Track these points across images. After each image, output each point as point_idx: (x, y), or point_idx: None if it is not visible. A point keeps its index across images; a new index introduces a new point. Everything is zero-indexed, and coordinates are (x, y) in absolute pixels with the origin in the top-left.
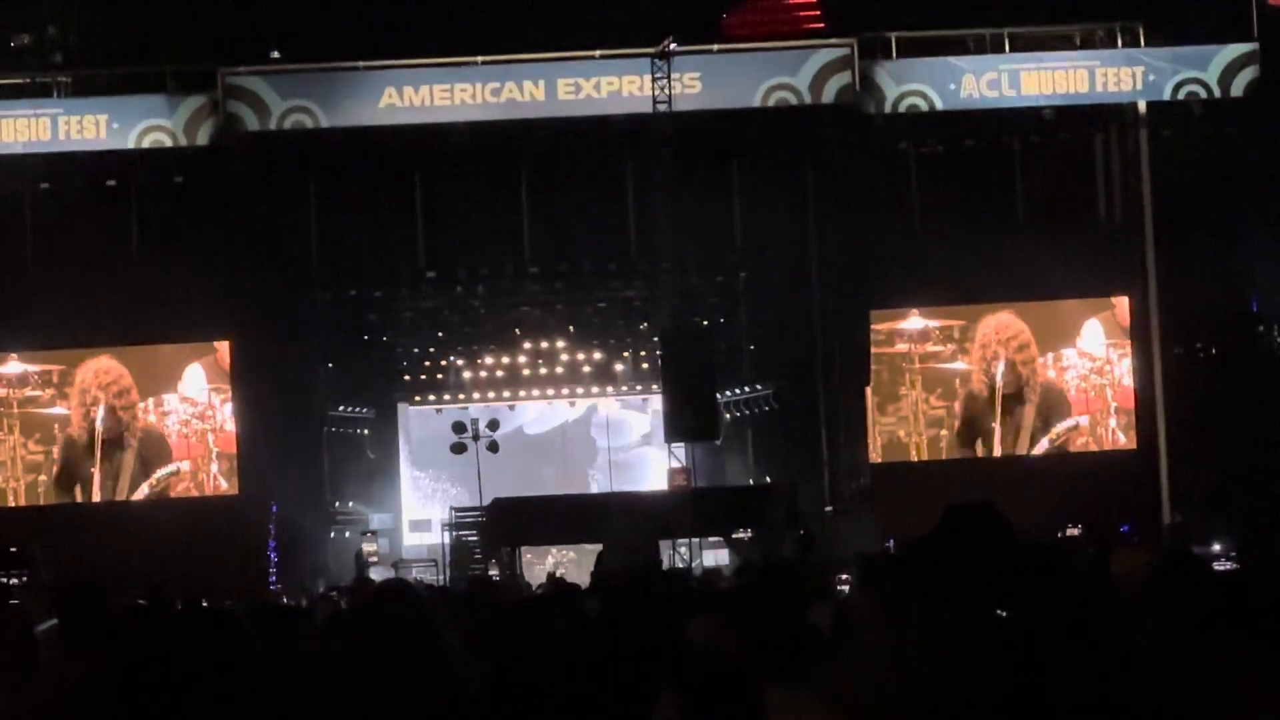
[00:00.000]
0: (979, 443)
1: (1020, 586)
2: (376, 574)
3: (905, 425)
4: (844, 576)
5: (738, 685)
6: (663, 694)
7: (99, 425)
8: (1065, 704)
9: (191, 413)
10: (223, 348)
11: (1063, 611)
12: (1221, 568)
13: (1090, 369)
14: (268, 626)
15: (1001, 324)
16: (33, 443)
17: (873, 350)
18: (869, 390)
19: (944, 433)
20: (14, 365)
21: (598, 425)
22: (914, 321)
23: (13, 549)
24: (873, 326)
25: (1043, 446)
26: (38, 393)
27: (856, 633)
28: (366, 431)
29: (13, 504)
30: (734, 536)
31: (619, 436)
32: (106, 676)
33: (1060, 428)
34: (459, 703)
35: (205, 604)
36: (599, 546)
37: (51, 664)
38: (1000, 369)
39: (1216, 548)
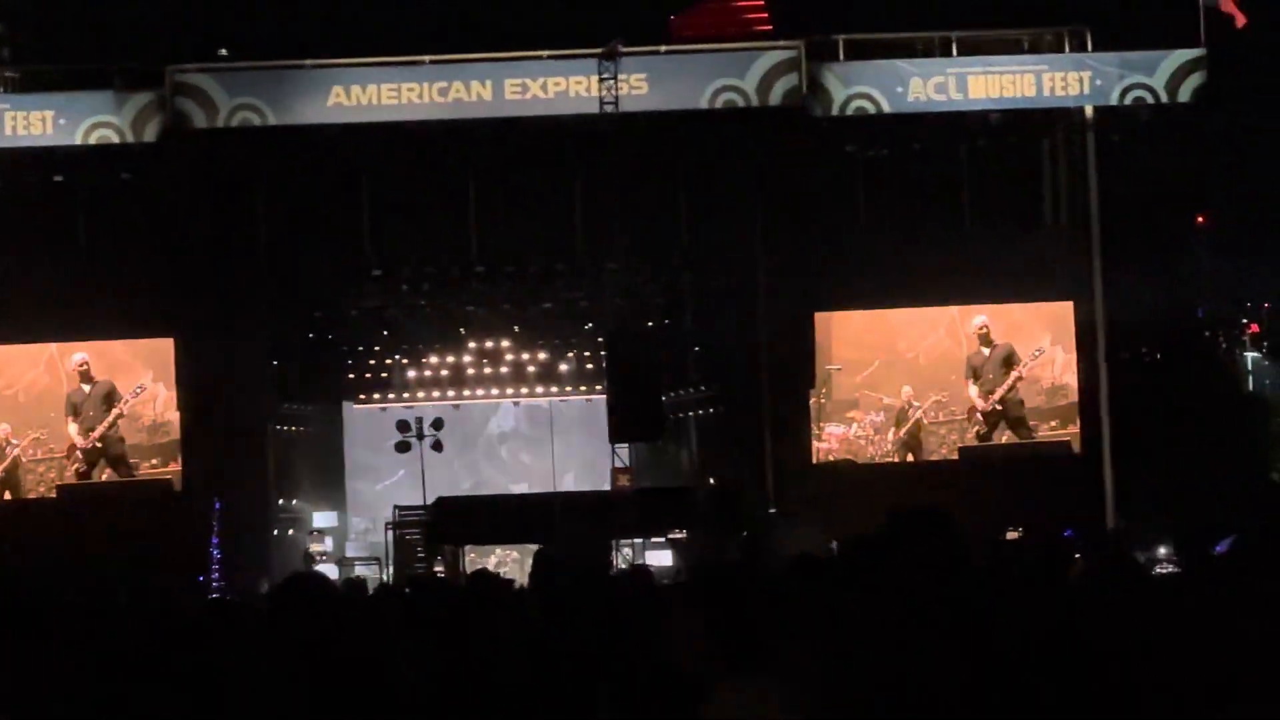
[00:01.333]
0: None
1: (966, 588)
2: (324, 572)
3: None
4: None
5: (675, 686)
6: (600, 692)
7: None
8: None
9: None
10: (166, 345)
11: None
12: (1163, 571)
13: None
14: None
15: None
16: None
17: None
18: (811, 393)
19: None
20: None
21: (541, 425)
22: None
23: None
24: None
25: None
26: None
27: (801, 632)
28: (311, 430)
29: None
30: (675, 537)
31: (563, 436)
32: (47, 675)
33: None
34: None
35: (147, 602)
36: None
37: None
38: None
39: (1162, 551)
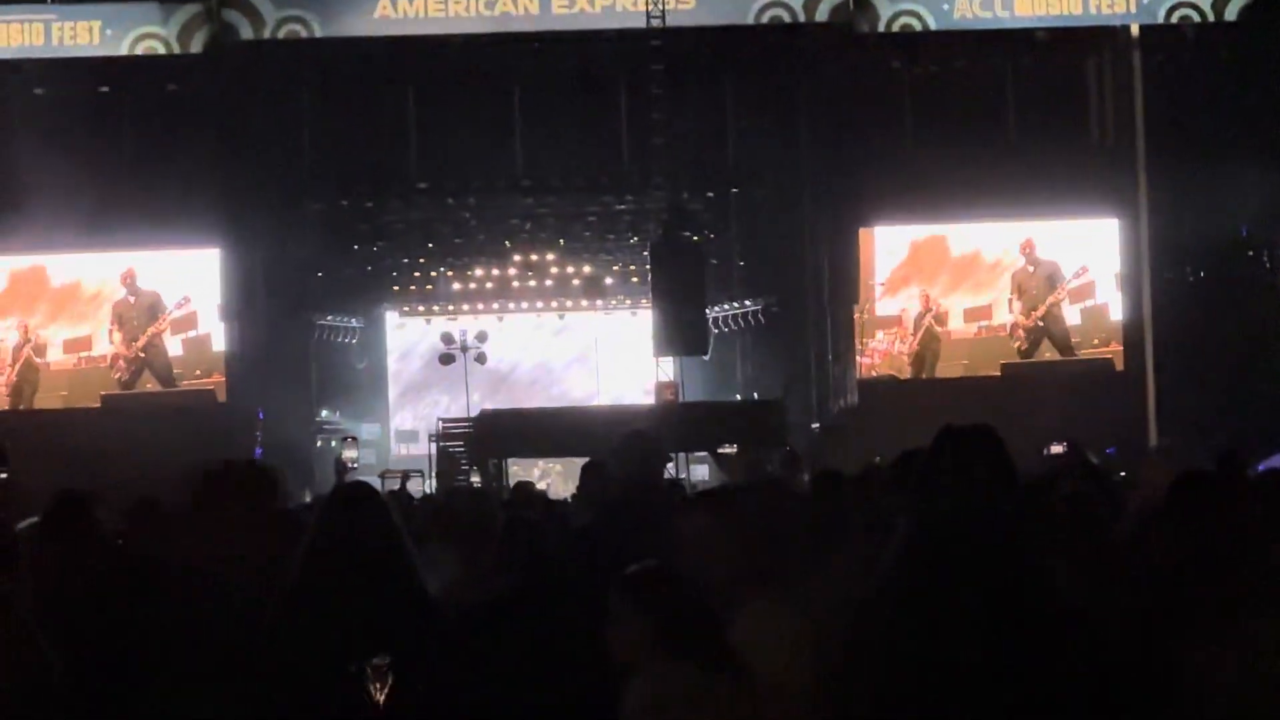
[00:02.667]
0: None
1: (1015, 506)
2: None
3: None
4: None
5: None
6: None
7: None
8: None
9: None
10: (211, 255)
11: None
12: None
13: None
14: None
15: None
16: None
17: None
18: (855, 308)
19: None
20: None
21: (586, 338)
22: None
23: None
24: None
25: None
26: None
27: (841, 545)
28: (355, 342)
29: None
30: (720, 452)
31: (608, 350)
32: (88, 576)
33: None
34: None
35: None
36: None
37: (31, 561)
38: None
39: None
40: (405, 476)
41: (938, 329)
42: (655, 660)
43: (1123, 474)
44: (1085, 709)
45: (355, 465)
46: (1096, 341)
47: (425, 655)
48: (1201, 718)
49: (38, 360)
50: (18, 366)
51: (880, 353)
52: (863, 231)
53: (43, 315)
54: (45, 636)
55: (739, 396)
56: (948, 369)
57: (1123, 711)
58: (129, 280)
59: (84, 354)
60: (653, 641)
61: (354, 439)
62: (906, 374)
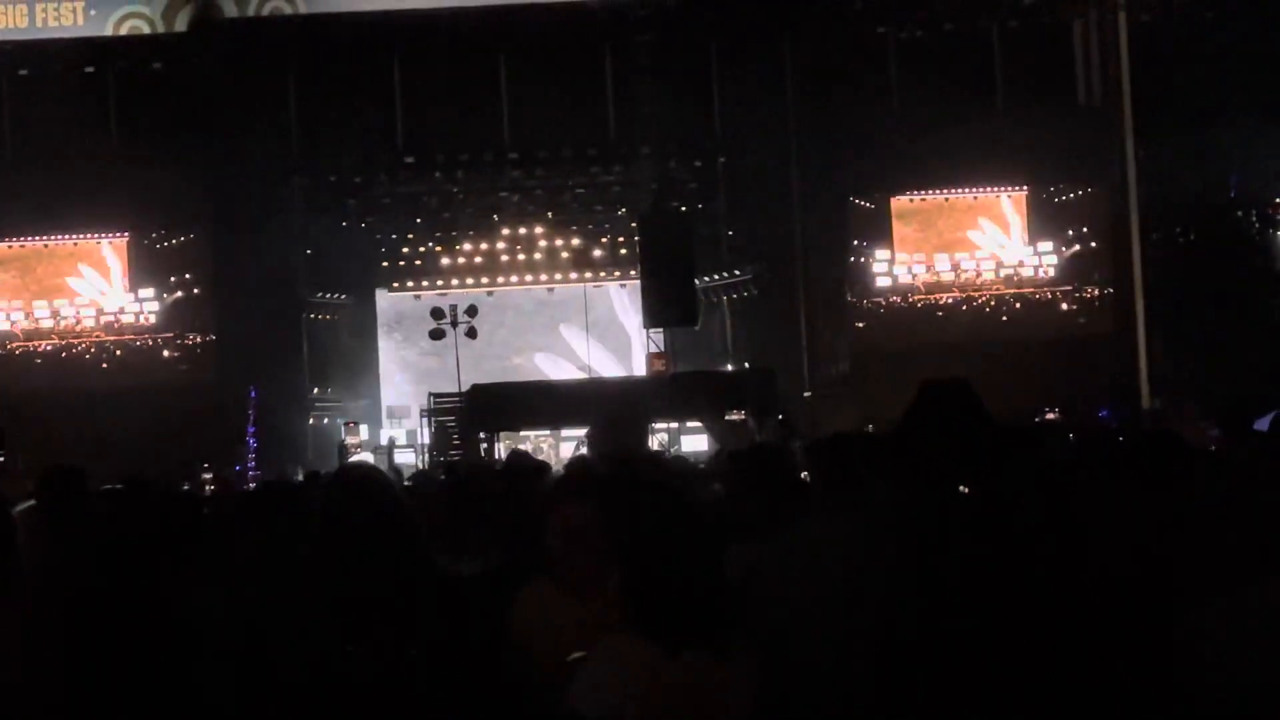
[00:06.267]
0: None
1: (995, 464)
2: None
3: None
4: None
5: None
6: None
7: None
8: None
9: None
10: (199, 235)
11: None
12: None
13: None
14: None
15: None
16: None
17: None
18: (846, 274)
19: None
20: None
21: (576, 310)
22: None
23: None
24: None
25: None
26: None
27: (825, 510)
28: (345, 318)
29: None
30: (733, 419)
31: (597, 322)
32: (86, 557)
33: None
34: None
35: (185, 488)
36: (577, 431)
37: (29, 545)
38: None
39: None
40: (391, 449)
41: (928, 296)
42: (617, 632)
43: (1120, 437)
44: (1079, 673)
45: (359, 450)
46: (1089, 304)
47: (433, 628)
48: (1199, 682)
49: (26, 343)
50: (8, 347)
51: (869, 320)
52: (852, 199)
53: (29, 295)
54: (46, 617)
55: (729, 366)
56: (939, 335)
57: (1116, 674)
58: (115, 262)
59: (72, 337)
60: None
61: (355, 424)
62: (897, 340)
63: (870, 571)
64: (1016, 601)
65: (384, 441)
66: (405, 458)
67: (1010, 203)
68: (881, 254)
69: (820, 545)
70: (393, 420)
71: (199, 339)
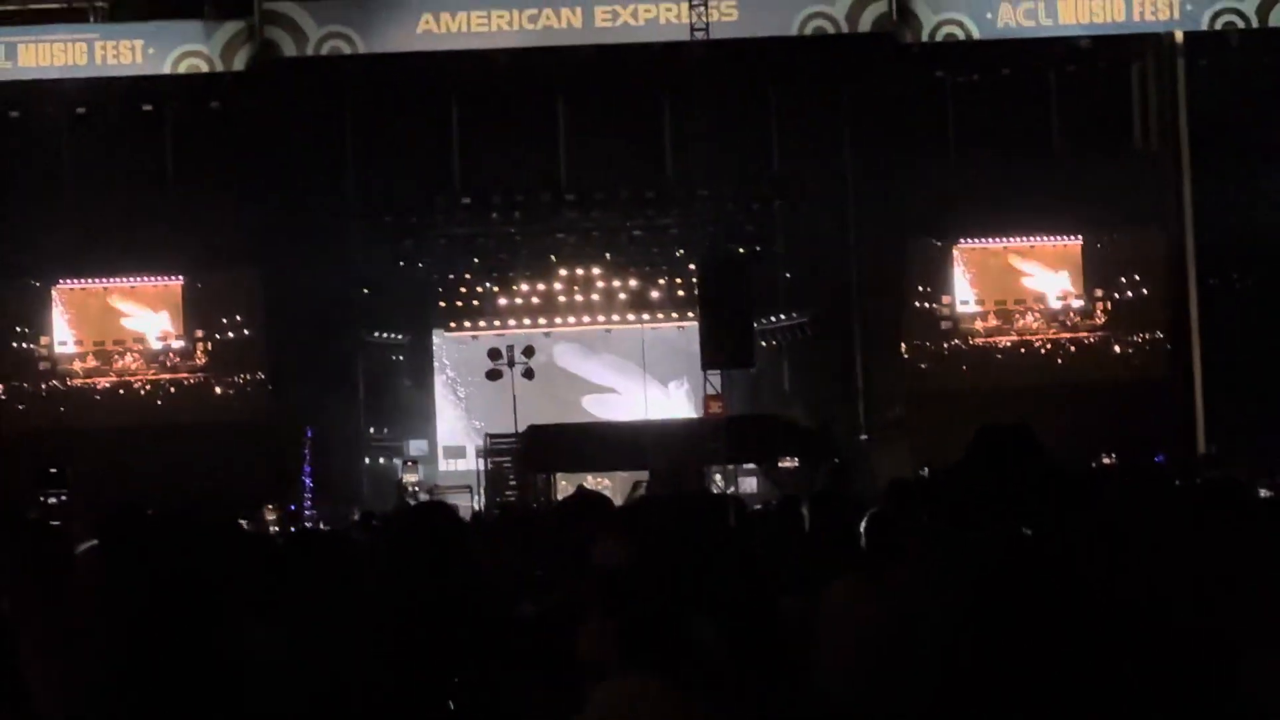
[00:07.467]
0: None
1: (1056, 508)
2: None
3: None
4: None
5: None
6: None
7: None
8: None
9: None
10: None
11: (1100, 534)
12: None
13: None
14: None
15: None
16: None
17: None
18: (902, 318)
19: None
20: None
21: (633, 352)
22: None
23: (52, 470)
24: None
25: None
26: None
27: (889, 555)
28: (401, 358)
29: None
30: (786, 466)
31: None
32: (144, 596)
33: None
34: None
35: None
36: (634, 474)
37: (90, 585)
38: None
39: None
40: (439, 491)
41: (984, 339)
42: (619, 668)
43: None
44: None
45: (417, 489)
46: (1144, 350)
47: (497, 667)
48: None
49: (86, 380)
50: (68, 385)
51: (925, 363)
52: (915, 240)
53: (88, 336)
54: (104, 655)
55: (785, 409)
56: (993, 379)
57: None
58: (172, 304)
59: (129, 375)
60: (617, 648)
61: (414, 462)
62: (952, 384)
63: (924, 624)
64: (1079, 648)
65: (440, 481)
66: (461, 499)
67: (1066, 247)
68: (938, 298)
69: (870, 599)
70: (449, 460)
71: (250, 377)
